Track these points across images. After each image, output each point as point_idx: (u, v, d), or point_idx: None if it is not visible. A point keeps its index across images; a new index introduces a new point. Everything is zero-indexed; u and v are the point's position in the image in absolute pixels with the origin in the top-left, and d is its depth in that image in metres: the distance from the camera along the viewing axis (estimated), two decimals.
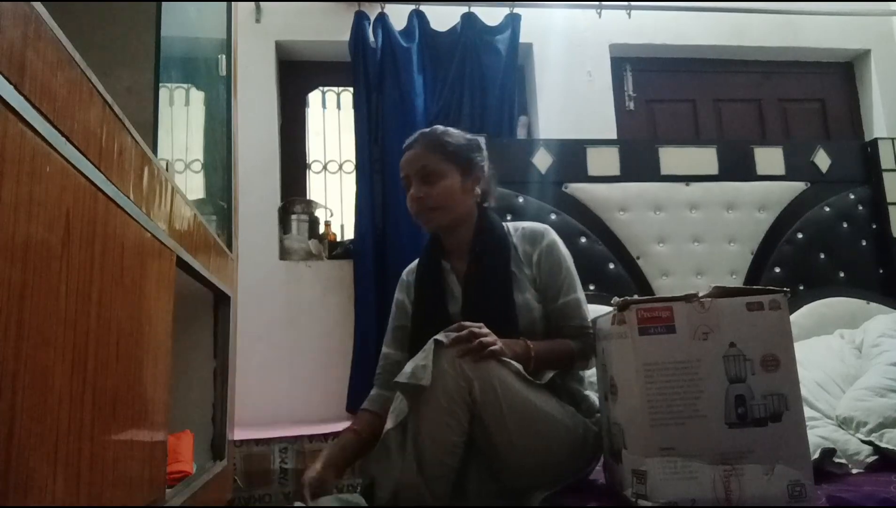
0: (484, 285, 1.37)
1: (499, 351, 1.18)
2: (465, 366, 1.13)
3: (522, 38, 2.92)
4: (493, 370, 1.15)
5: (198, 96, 1.89)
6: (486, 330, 1.20)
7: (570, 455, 1.25)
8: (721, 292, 1.07)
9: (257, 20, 2.87)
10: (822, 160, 2.65)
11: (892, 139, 2.69)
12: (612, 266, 2.42)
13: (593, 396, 1.38)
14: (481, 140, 1.53)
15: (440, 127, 1.51)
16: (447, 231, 1.47)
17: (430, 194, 1.41)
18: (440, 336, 1.16)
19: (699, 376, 1.04)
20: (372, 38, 2.79)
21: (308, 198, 2.96)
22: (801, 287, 2.50)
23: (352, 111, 2.92)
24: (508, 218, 2.40)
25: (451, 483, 1.15)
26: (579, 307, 1.39)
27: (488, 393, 1.13)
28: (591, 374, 1.43)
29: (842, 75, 3.42)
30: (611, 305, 1.13)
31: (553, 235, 1.45)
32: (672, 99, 3.26)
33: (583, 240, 2.42)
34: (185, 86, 1.76)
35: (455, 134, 1.47)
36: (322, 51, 3.00)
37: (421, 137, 1.46)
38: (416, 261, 1.55)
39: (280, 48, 2.93)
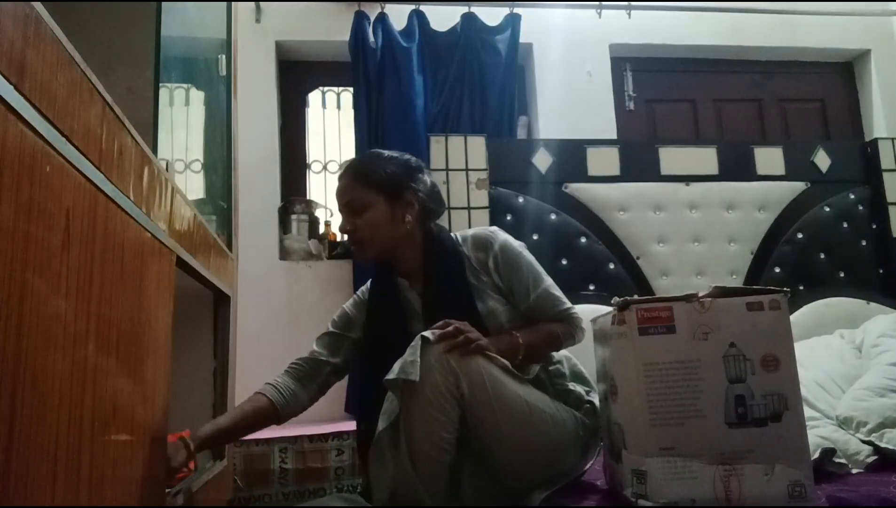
0: (445, 301, 1.35)
1: (485, 346, 1.19)
2: (451, 361, 1.13)
3: (522, 38, 2.93)
4: (479, 364, 1.16)
5: (198, 96, 1.89)
6: (470, 327, 1.20)
7: (562, 448, 1.25)
8: (721, 292, 1.07)
9: (257, 20, 2.87)
10: (822, 160, 2.65)
11: (892, 139, 2.69)
12: (612, 266, 2.42)
13: (579, 388, 1.38)
14: (416, 162, 1.47)
15: (371, 153, 1.49)
16: (385, 258, 1.43)
17: (356, 226, 1.39)
18: (426, 333, 1.16)
19: (699, 376, 1.04)
20: (372, 39, 2.79)
21: (308, 198, 2.96)
22: (801, 287, 2.50)
23: (352, 111, 2.92)
24: (508, 218, 2.40)
25: (445, 481, 1.16)
26: (552, 295, 1.38)
27: (476, 387, 1.14)
28: (574, 365, 1.44)
29: (842, 75, 3.42)
30: (611, 305, 1.13)
31: (501, 235, 1.42)
32: (672, 99, 3.27)
33: (583, 240, 2.42)
34: (185, 86, 1.76)
35: (384, 161, 1.43)
36: (322, 51, 3.00)
37: (348, 168, 1.44)
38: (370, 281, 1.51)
39: (280, 48, 2.93)
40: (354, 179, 1.40)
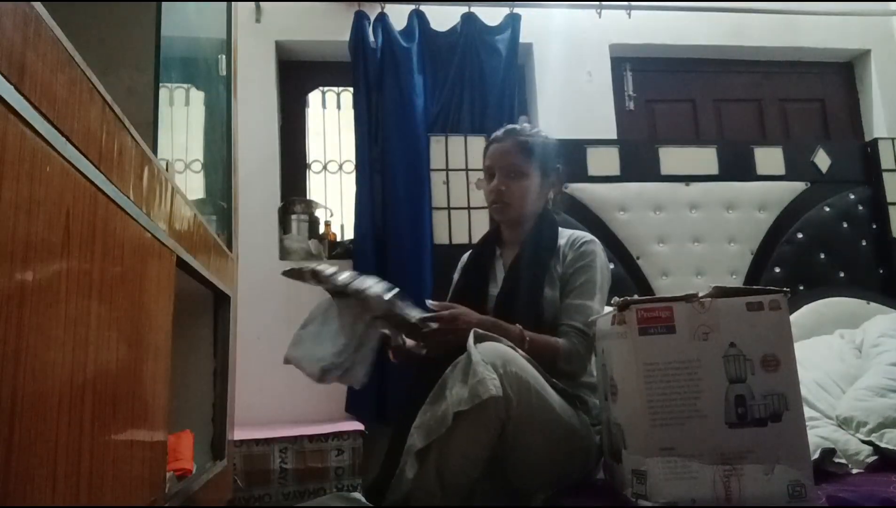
0: (521, 276, 1.43)
1: (475, 323, 1.23)
2: (506, 385, 1.10)
3: (522, 38, 2.92)
4: (530, 382, 1.15)
5: (198, 96, 1.89)
6: (460, 310, 1.26)
7: (574, 455, 1.26)
8: (721, 293, 1.07)
9: (257, 20, 2.87)
10: (822, 160, 2.65)
11: (892, 139, 2.69)
12: (611, 266, 2.42)
13: (594, 399, 1.39)
14: (556, 144, 1.58)
15: (528, 126, 1.56)
16: (512, 225, 1.54)
17: (510, 188, 1.48)
18: (472, 351, 1.13)
19: (699, 376, 1.04)
20: (372, 38, 2.79)
21: (308, 198, 2.96)
22: (801, 287, 2.50)
23: (352, 111, 2.92)
24: None
25: (466, 493, 1.15)
26: (585, 313, 1.38)
27: (523, 406, 1.13)
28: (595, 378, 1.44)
29: (842, 75, 3.42)
30: (611, 305, 1.13)
31: (594, 246, 1.47)
32: (672, 99, 3.26)
33: None
34: (185, 86, 1.76)
35: (542, 136, 1.54)
36: (322, 51, 2.99)
37: (509, 134, 1.51)
38: None
39: (280, 48, 2.93)
40: (517, 146, 1.49)
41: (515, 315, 1.29)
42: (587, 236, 1.50)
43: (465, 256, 1.65)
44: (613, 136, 2.98)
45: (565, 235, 1.51)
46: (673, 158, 2.56)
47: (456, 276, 1.63)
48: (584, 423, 1.29)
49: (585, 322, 1.37)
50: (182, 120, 1.72)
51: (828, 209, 2.60)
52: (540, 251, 1.45)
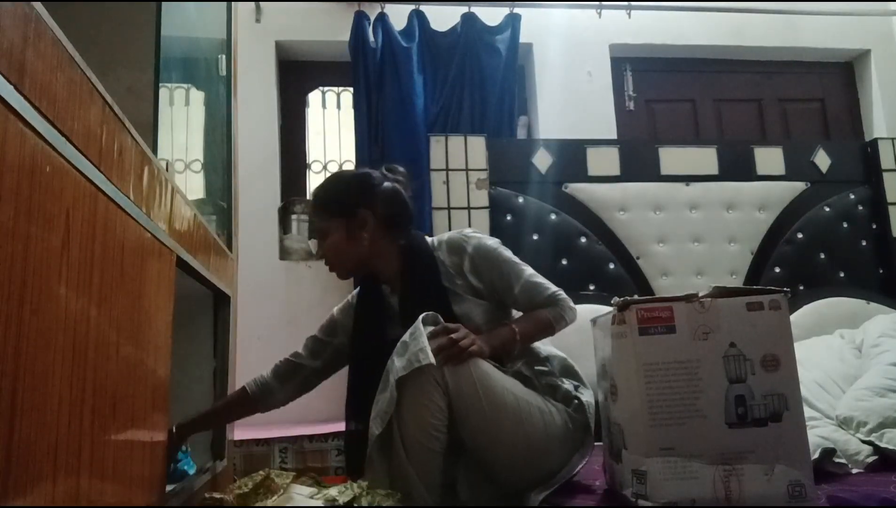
0: (421, 307, 1.34)
1: (477, 352, 1.22)
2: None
3: (522, 38, 2.93)
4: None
5: (198, 96, 1.89)
6: (463, 331, 1.23)
7: (551, 440, 1.26)
8: (721, 293, 1.07)
9: (257, 20, 2.87)
10: (822, 160, 2.64)
11: (892, 139, 2.69)
12: (612, 266, 2.42)
13: (567, 384, 1.38)
14: (374, 176, 1.47)
15: (327, 179, 1.54)
16: (360, 273, 1.50)
17: (325, 250, 1.47)
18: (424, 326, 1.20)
19: (699, 376, 1.04)
20: (372, 39, 2.79)
21: (308, 198, 2.96)
22: (801, 287, 2.49)
23: (352, 111, 2.92)
24: (508, 218, 2.40)
25: (439, 472, 1.17)
26: (535, 283, 1.40)
27: (463, 380, 1.17)
28: (563, 360, 1.43)
29: (842, 75, 3.42)
30: (611, 305, 1.13)
31: (474, 239, 1.43)
32: (672, 99, 3.27)
33: (583, 240, 2.42)
34: (185, 86, 1.76)
35: (336, 184, 1.49)
36: (322, 51, 3.00)
37: (311, 200, 1.52)
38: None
39: (280, 48, 2.93)
40: (315, 210, 1.48)
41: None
42: (457, 236, 1.44)
43: (352, 297, 1.55)
44: (613, 136, 2.98)
45: (437, 243, 1.46)
46: (673, 158, 2.56)
47: (336, 315, 1.56)
48: (560, 408, 1.30)
49: (545, 286, 1.40)
50: (182, 120, 1.72)
51: (828, 209, 2.59)
52: (427, 279, 1.40)
